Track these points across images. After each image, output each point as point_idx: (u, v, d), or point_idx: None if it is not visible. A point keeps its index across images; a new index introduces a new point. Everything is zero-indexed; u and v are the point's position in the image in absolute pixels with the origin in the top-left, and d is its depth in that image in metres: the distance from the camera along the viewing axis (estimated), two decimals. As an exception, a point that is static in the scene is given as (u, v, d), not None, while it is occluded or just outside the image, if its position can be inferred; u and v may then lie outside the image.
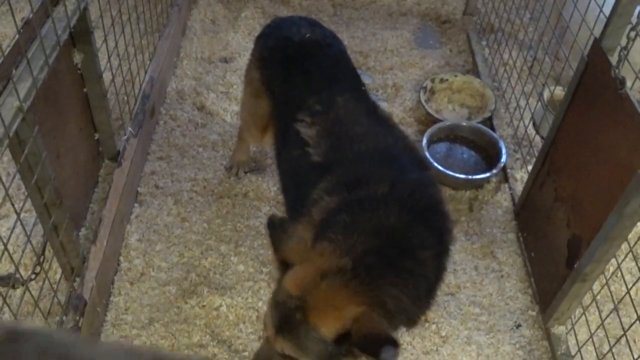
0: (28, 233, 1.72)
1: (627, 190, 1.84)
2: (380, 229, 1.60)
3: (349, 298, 1.45)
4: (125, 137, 2.47)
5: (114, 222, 2.28)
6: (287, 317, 1.49)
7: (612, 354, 2.04)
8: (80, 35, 2.00)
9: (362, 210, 1.67)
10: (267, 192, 2.75)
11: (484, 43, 3.53)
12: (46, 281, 1.84)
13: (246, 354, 2.20)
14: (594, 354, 2.16)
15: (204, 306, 2.31)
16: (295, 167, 2.01)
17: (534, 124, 3.00)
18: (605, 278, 2.15)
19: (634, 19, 1.92)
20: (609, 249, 1.99)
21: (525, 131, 2.94)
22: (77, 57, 2.06)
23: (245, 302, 2.32)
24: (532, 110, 2.93)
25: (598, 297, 2.22)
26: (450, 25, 3.71)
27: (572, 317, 2.33)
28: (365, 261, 1.50)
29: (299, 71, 2.12)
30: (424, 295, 1.64)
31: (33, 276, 1.84)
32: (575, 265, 2.12)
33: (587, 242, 2.06)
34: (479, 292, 2.49)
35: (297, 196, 1.94)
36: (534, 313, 2.45)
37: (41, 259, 1.84)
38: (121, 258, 2.40)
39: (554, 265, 2.30)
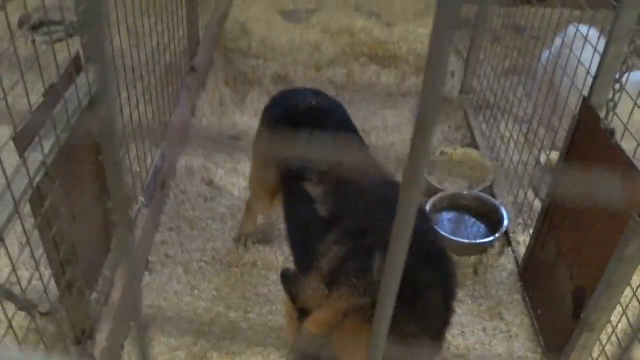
0: (44, 288, 1.77)
1: (625, 235, 1.89)
2: None
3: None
4: (138, 206, 2.56)
5: (126, 288, 2.32)
6: (314, 358, 1.52)
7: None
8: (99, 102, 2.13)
9: (372, 255, 1.72)
10: (274, 261, 2.80)
11: (481, 118, 3.68)
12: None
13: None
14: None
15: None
16: (303, 223, 2.09)
17: (533, 189, 3.08)
18: (612, 326, 2.16)
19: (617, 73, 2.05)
20: (613, 296, 2.02)
21: (525, 196, 3.01)
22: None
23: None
24: (531, 176, 3.03)
25: (608, 346, 2.22)
26: (448, 103, 3.87)
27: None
28: None
29: (305, 129, 2.24)
30: (436, 334, 1.68)
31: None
32: (582, 316, 2.14)
33: (591, 291, 2.09)
34: (488, 352, 2.48)
35: (306, 251, 2.00)
36: (545, 369, 2.44)
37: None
38: (132, 323, 2.42)
39: (561, 320, 2.31)
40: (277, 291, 2.66)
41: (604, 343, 2.22)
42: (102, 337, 2.10)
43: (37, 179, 1.61)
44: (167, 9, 2.94)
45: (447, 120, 3.79)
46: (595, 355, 2.25)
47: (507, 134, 3.32)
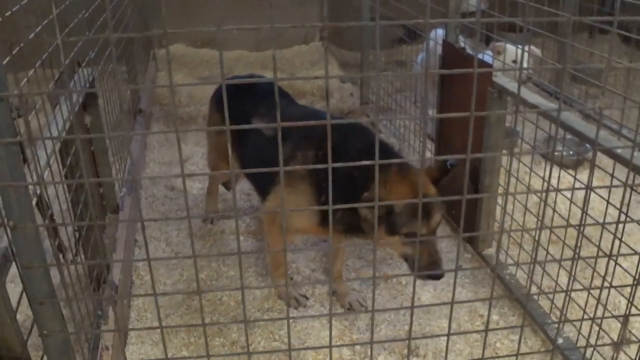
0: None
1: (488, 106, 2.67)
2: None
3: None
4: (122, 193, 3.11)
5: (125, 252, 2.83)
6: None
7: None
8: (89, 101, 2.73)
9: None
10: (239, 227, 3.38)
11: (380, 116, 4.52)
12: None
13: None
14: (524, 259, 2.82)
15: (208, 300, 2.82)
16: (257, 149, 2.73)
17: (429, 137, 3.84)
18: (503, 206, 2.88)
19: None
20: (495, 159, 2.77)
21: (421, 143, 3.78)
22: (87, 119, 2.77)
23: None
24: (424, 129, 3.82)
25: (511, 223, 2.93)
26: (355, 111, 4.71)
27: (495, 239, 3.00)
28: None
29: (247, 98, 2.92)
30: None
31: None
32: (478, 185, 2.85)
33: (479, 164, 2.83)
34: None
35: (264, 167, 2.63)
36: (469, 255, 3.11)
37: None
38: (134, 278, 2.92)
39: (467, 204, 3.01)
40: (245, 246, 3.23)
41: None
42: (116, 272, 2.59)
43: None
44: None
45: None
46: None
47: (401, 123, 4.15)
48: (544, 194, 1.33)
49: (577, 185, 2.22)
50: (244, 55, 5.97)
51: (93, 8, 2.86)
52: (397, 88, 4.70)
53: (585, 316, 2.22)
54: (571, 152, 3.99)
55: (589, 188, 1.38)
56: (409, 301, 2.83)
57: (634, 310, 1.81)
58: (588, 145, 3.79)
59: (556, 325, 2.43)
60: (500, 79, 2.67)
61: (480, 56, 3.46)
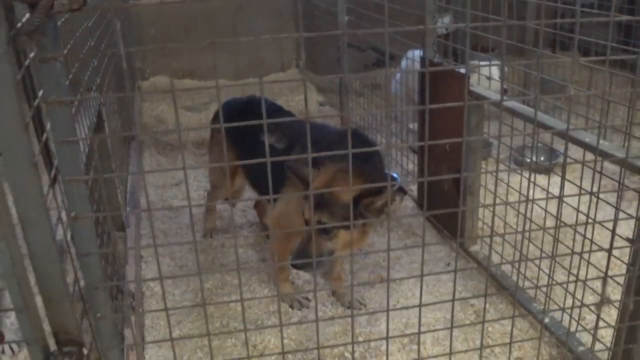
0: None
1: (468, 114, 2.92)
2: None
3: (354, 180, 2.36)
4: (126, 212, 3.28)
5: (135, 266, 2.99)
6: (321, 200, 2.35)
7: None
8: (99, 124, 2.92)
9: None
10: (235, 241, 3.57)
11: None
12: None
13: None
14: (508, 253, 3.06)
15: (217, 307, 2.99)
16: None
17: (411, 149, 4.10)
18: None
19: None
20: (476, 159, 3.02)
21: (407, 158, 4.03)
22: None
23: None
24: (406, 141, 4.07)
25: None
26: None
27: (481, 234, 3.24)
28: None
29: (250, 118, 3.12)
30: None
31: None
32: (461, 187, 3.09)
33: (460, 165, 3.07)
34: (415, 256, 3.34)
35: (273, 177, 2.82)
36: (454, 254, 3.34)
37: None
38: (144, 289, 3.08)
39: (451, 204, 3.25)
40: (246, 257, 3.41)
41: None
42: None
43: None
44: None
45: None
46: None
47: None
48: (522, 200, 1.56)
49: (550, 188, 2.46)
50: (226, 84, 6.20)
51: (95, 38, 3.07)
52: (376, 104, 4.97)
53: (569, 296, 2.46)
54: (542, 158, 4.29)
55: (560, 198, 1.62)
56: (404, 298, 3.04)
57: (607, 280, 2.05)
58: (559, 153, 4.08)
59: (542, 308, 2.66)
60: (476, 88, 2.93)
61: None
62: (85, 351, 1.60)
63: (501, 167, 4.02)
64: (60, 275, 1.49)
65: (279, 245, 2.99)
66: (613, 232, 1.85)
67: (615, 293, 2.70)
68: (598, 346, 2.35)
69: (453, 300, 1.73)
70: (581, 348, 2.45)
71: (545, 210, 2.61)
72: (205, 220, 3.66)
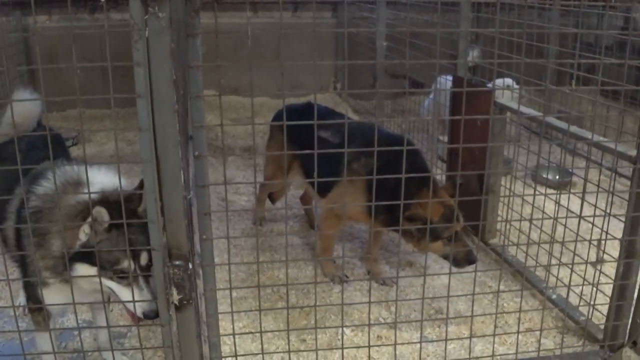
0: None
1: (492, 123, 3.40)
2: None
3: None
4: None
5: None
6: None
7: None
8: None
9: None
10: (282, 228, 4.05)
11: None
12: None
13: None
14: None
15: (268, 277, 3.45)
16: (322, 155, 3.41)
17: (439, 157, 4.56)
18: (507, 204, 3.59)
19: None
20: (498, 161, 3.48)
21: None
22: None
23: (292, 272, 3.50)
24: (438, 146, 4.54)
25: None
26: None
27: (500, 230, 3.68)
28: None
29: (309, 117, 3.62)
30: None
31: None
32: (484, 186, 3.55)
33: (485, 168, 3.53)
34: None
35: (328, 171, 3.20)
36: (474, 246, 3.78)
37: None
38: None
39: (477, 205, 3.69)
40: (291, 241, 3.89)
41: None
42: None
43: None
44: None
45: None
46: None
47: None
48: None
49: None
50: (267, 101, 6.74)
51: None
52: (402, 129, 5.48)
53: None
54: (557, 177, 4.74)
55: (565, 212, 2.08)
56: (431, 279, 3.48)
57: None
58: (570, 170, 4.54)
59: (550, 287, 3.10)
60: (500, 99, 3.43)
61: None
62: (190, 265, 2.07)
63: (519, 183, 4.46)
64: (181, 200, 1.98)
65: (328, 228, 3.45)
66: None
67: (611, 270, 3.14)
68: (596, 316, 2.79)
69: (475, 271, 2.16)
70: (582, 318, 2.87)
71: (555, 219, 3.04)
72: (256, 209, 4.14)
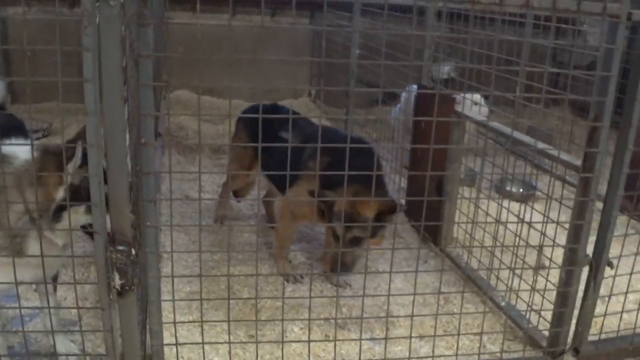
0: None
1: (451, 130, 3.47)
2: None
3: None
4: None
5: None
6: (351, 218, 2.95)
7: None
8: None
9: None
10: (244, 227, 4.08)
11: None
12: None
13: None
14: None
15: (223, 273, 3.47)
16: (283, 154, 3.45)
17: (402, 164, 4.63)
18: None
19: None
20: (456, 169, 3.54)
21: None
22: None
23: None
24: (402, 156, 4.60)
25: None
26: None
27: (456, 237, 3.74)
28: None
29: (272, 120, 3.67)
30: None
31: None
32: (442, 193, 3.61)
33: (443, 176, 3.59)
34: (397, 253, 3.83)
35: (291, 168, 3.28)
36: (432, 253, 3.84)
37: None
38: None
39: (433, 212, 3.75)
40: (250, 240, 3.91)
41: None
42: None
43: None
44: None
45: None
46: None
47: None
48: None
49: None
50: (241, 103, 6.75)
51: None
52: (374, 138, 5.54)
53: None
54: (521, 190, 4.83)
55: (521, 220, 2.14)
56: (385, 283, 3.52)
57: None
58: (534, 183, 4.63)
59: (500, 295, 3.16)
60: (461, 109, 3.49)
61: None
62: (133, 251, 2.09)
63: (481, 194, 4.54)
64: (126, 186, 2.00)
65: (284, 225, 3.48)
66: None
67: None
68: (544, 324, 2.85)
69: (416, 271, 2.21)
70: (531, 325, 2.94)
71: (517, 235, 3.11)
72: (218, 207, 4.17)
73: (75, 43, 2.17)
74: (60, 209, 2.16)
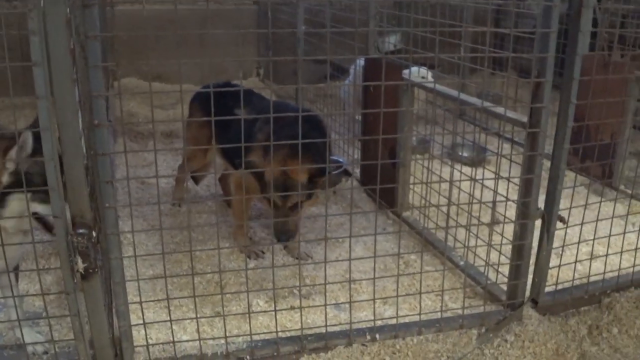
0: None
1: (400, 95, 3.53)
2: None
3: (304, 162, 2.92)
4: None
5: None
6: (284, 185, 2.94)
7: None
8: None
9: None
10: (202, 210, 4.08)
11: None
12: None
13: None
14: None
15: (185, 255, 3.48)
16: (237, 130, 3.46)
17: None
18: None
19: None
20: (408, 130, 3.62)
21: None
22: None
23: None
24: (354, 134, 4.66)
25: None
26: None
27: (412, 202, 3.83)
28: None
29: (226, 98, 3.66)
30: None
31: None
32: (396, 160, 3.69)
33: (396, 143, 3.67)
34: (356, 223, 3.90)
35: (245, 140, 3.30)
36: (390, 221, 3.92)
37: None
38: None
39: (387, 178, 3.82)
40: (209, 220, 3.92)
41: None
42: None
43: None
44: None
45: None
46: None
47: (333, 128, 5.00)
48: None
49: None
50: (191, 88, 6.70)
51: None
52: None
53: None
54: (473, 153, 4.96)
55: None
56: (345, 252, 3.59)
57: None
58: (484, 147, 4.76)
59: (458, 255, 3.26)
60: (407, 76, 3.57)
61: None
62: (94, 233, 2.10)
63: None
64: (82, 168, 2.00)
65: (238, 202, 3.51)
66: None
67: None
68: (502, 279, 2.96)
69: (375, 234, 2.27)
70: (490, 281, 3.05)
71: (470, 194, 3.21)
72: (175, 190, 4.16)
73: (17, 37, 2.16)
74: (4, 195, 2.15)
